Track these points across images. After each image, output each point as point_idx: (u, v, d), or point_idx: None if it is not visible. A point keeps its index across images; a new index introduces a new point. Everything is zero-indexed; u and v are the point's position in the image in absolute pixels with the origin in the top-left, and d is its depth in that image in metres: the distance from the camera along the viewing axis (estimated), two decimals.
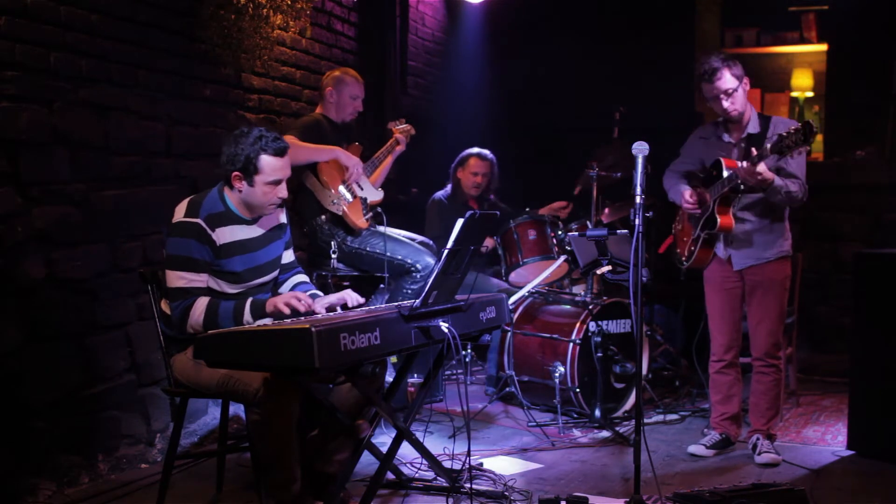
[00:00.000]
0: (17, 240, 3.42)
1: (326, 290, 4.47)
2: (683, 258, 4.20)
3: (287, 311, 3.15)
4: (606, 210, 5.48)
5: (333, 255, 4.39)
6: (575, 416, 4.70)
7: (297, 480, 3.05)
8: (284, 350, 2.74)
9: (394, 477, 3.63)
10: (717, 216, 3.93)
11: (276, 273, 3.47)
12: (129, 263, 3.94)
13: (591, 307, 4.73)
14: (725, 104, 3.92)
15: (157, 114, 4.10)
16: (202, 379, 3.15)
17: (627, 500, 3.33)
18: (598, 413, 4.58)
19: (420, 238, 4.86)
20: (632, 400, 4.76)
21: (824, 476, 3.87)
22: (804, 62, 7.36)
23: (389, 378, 3.81)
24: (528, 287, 5.00)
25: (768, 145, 3.64)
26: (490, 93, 7.22)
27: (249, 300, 3.18)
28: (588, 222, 5.23)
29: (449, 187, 5.72)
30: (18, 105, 3.40)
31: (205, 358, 2.93)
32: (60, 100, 3.59)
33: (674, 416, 4.80)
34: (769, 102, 7.31)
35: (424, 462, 3.60)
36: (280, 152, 3.22)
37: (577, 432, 4.54)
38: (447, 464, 3.67)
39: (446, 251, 3.12)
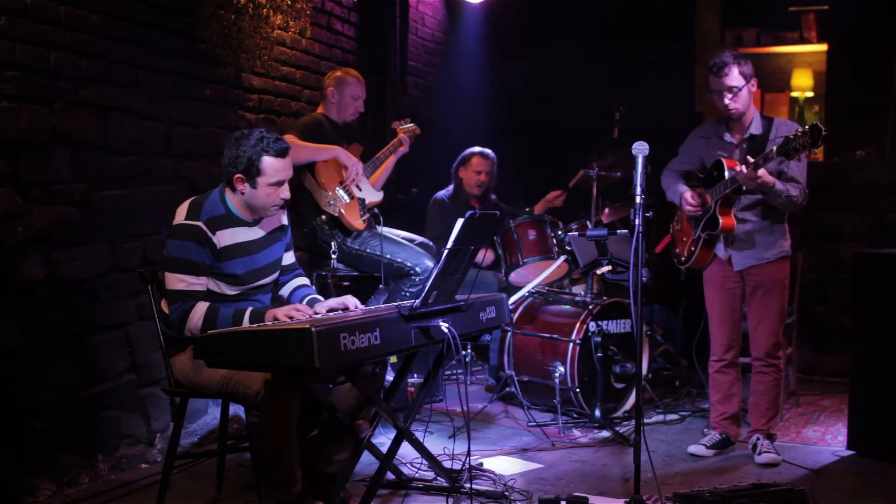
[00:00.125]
0: (17, 240, 3.42)
1: (326, 291, 4.48)
2: (683, 258, 4.20)
3: (287, 322, 3.14)
4: (606, 210, 5.48)
5: (333, 256, 4.39)
6: (575, 416, 4.70)
7: (297, 480, 3.05)
8: (284, 350, 2.74)
9: (394, 477, 3.63)
10: (719, 217, 3.92)
11: (276, 275, 3.47)
12: (129, 263, 3.94)
13: (591, 307, 4.73)
14: (727, 101, 3.92)
15: (157, 114, 4.10)
16: (202, 379, 3.15)
17: (627, 500, 3.33)
18: (598, 413, 4.58)
19: (420, 239, 4.85)
20: (632, 400, 4.76)
21: (824, 476, 3.87)
22: (804, 62, 7.36)
23: (390, 377, 3.81)
24: (528, 287, 5.00)
25: (774, 148, 3.64)
26: (490, 93, 7.22)
27: (249, 309, 3.17)
28: (588, 222, 5.23)
29: (451, 187, 5.73)
30: (18, 105, 3.40)
31: (205, 358, 2.93)
32: (60, 100, 3.59)
33: (674, 416, 4.80)
34: (769, 102, 7.31)
35: (424, 462, 3.60)
36: (282, 153, 3.22)
37: (577, 432, 4.54)
38: (447, 464, 3.68)
39: (446, 251, 3.12)
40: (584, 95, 6.68)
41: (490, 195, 5.79)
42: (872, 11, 6.11)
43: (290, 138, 4.31)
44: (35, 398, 3.51)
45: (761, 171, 3.72)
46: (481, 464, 3.91)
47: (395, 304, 3.52)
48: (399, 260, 4.47)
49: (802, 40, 7.14)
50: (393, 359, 4.29)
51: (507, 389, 4.95)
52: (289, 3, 4.57)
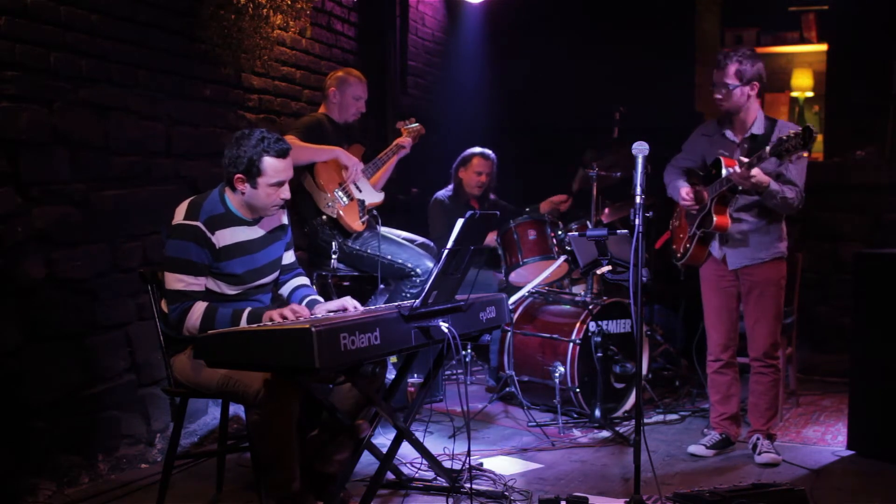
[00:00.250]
0: (17, 240, 3.42)
1: (327, 290, 4.48)
2: (679, 254, 4.22)
3: (286, 322, 3.14)
4: (606, 210, 5.48)
5: (334, 256, 4.38)
6: (575, 416, 4.70)
7: (296, 480, 3.05)
8: (284, 350, 2.74)
9: (394, 477, 3.63)
10: (714, 215, 3.93)
11: (276, 274, 3.47)
12: (129, 263, 3.94)
13: (591, 307, 4.73)
14: (717, 95, 3.97)
15: (157, 114, 4.10)
16: (202, 379, 3.15)
17: (627, 500, 3.33)
18: (598, 413, 4.58)
19: (420, 240, 4.85)
20: (632, 400, 4.76)
21: (824, 476, 3.87)
22: (804, 62, 7.37)
23: (390, 376, 3.81)
24: (528, 287, 5.00)
25: (767, 148, 3.65)
26: (490, 93, 7.22)
27: (247, 310, 3.17)
28: (588, 222, 5.23)
29: (450, 187, 5.73)
30: (18, 105, 3.40)
31: (205, 358, 2.93)
32: (60, 100, 3.59)
33: (674, 416, 4.80)
34: (769, 102, 7.32)
35: (424, 462, 3.60)
36: (282, 154, 3.22)
37: (577, 432, 4.54)
38: (447, 464, 3.68)
39: (446, 251, 3.12)
40: (584, 95, 6.68)
41: (490, 195, 5.79)
42: (872, 11, 6.11)
43: (290, 139, 4.31)
44: (35, 398, 3.51)
45: (755, 171, 3.72)
46: (481, 464, 3.91)
47: (396, 304, 3.52)
48: (400, 261, 4.47)
49: (802, 40, 7.14)
50: (393, 359, 4.29)
51: (507, 389, 4.95)
52: (289, 3, 4.57)
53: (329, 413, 3.28)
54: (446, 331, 3.11)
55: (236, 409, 4.14)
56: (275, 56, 4.84)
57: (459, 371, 5.37)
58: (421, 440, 3.59)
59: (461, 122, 6.75)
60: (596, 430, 4.54)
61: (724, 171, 3.85)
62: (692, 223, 4.09)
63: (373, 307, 3.78)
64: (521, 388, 4.80)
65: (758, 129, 3.99)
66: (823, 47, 6.81)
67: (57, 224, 3.58)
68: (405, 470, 3.75)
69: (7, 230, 3.38)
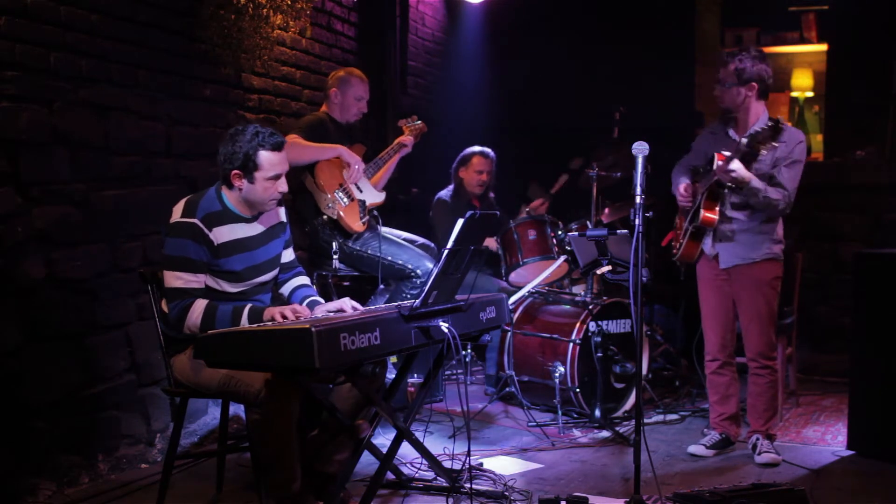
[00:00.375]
0: (17, 240, 3.42)
1: (327, 290, 4.48)
2: (674, 250, 4.23)
3: (286, 322, 3.14)
4: (606, 210, 5.49)
5: (335, 256, 4.38)
6: (575, 416, 4.70)
7: (297, 480, 3.05)
8: (284, 350, 2.74)
9: (394, 477, 3.63)
10: (701, 210, 3.96)
11: (276, 272, 3.46)
12: (129, 263, 3.94)
13: (591, 307, 4.73)
14: (716, 91, 4.04)
15: (157, 114, 4.10)
16: (202, 379, 3.15)
17: (627, 500, 3.33)
18: (598, 413, 4.58)
19: (420, 240, 4.84)
20: (632, 400, 4.76)
21: (824, 476, 3.87)
22: (804, 62, 7.36)
23: (390, 376, 3.81)
24: (528, 287, 5.00)
25: (744, 140, 3.71)
26: (490, 93, 7.22)
27: (248, 307, 3.17)
28: (588, 222, 5.23)
29: (451, 187, 5.73)
30: (18, 105, 3.40)
31: (205, 358, 2.93)
32: (60, 100, 3.59)
33: (674, 416, 4.80)
34: (769, 102, 7.29)
35: (424, 462, 3.60)
36: (277, 146, 3.23)
37: (577, 432, 4.54)
38: (447, 464, 3.68)
39: (446, 251, 3.12)
40: (584, 95, 6.68)
41: (490, 194, 5.80)
42: (872, 11, 6.11)
43: (293, 138, 4.31)
44: (35, 398, 3.51)
45: (735, 166, 3.74)
46: (481, 464, 3.91)
47: (396, 304, 3.52)
48: (400, 262, 4.47)
49: (802, 40, 7.14)
50: (393, 359, 4.29)
51: (507, 389, 4.95)
52: (289, 3, 4.57)
53: (329, 413, 3.28)
54: (446, 331, 3.11)
55: (236, 409, 4.14)
56: (275, 56, 4.84)
57: (459, 371, 5.37)
58: (421, 440, 3.59)
59: (461, 122, 6.75)
60: (596, 430, 4.54)
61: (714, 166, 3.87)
62: (686, 218, 4.11)
63: (373, 307, 3.78)
64: (521, 388, 4.80)
65: (756, 128, 3.99)
66: (823, 47, 6.81)
67: (57, 224, 3.58)
68: (405, 470, 3.75)
69: (7, 230, 3.38)
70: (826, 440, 4.40)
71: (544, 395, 4.76)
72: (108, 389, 3.85)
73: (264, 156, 3.20)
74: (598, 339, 4.61)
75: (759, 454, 4.02)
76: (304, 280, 3.61)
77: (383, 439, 3.96)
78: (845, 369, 4.39)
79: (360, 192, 4.58)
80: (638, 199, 3.32)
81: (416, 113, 5.13)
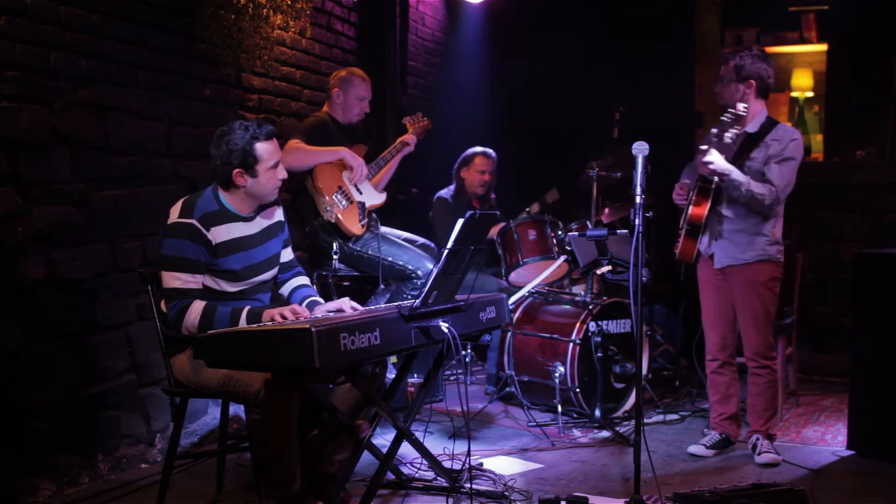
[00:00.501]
0: (17, 240, 3.42)
1: (327, 290, 4.47)
2: (675, 249, 4.23)
3: (286, 322, 3.14)
4: (606, 210, 5.49)
5: (335, 256, 4.37)
6: (575, 416, 4.70)
7: (297, 480, 3.05)
8: (284, 350, 2.74)
9: (394, 477, 3.63)
10: (690, 206, 3.98)
11: (274, 271, 3.46)
12: (129, 263, 3.94)
13: (591, 307, 4.73)
14: (716, 88, 4.07)
15: (157, 114, 4.10)
16: (202, 379, 3.15)
17: (627, 500, 3.33)
18: (598, 413, 4.58)
19: (421, 240, 4.84)
20: (632, 400, 4.76)
21: (824, 476, 3.87)
22: (804, 62, 7.35)
23: (390, 376, 3.81)
24: (528, 287, 5.00)
25: (714, 130, 3.78)
26: (490, 93, 7.21)
27: (247, 308, 3.17)
28: (588, 222, 5.23)
29: (452, 187, 5.73)
30: (18, 105, 3.40)
31: (205, 358, 2.93)
32: (60, 100, 3.59)
33: (674, 416, 4.80)
34: (769, 102, 7.29)
35: (424, 462, 3.60)
36: (270, 135, 3.25)
37: (577, 432, 4.54)
38: (447, 464, 3.68)
39: (446, 251, 3.12)
40: (584, 95, 6.68)
41: (491, 194, 5.80)
42: (872, 11, 6.11)
43: (295, 143, 4.31)
44: (35, 398, 3.51)
45: (712, 158, 3.77)
46: (481, 464, 3.91)
47: (396, 304, 3.52)
48: (400, 263, 4.46)
49: (802, 40, 7.13)
50: (393, 359, 4.29)
51: (507, 389, 4.95)
52: (289, 3, 4.57)
53: (329, 413, 3.28)
54: (446, 331, 3.11)
55: (236, 409, 4.14)
56: (275, 56, 4.84)
57: (459, 371, 5.37)
58: (421, 440, 3.59)
59: (461, 122, 6.75)
60: (596, 430, 4.54)
61: None
62: (682, 217, 4.13)
63: (373, 307, 3.78)
64: (521, 388, 4.80)
65: (753, 127, 4.00)
66: (823, 47, 6.80)
67: (57, 224, 3.58)
68: (405, 470, 3.75)
69: (7, 230, 3.38)
70: (826, 440, 4.40)
71: (544, 395, 4.76)
72: (108, 389, 3.85)
73: (261, 147, 3.21)
74: (598, 339, 4.61)
75: (759, 454, 4.02)
76: (304, 280, 3.61)
77: (383, 439, 3.96)
78: (845, 369, 4.39)
79: (360, 193, 4.56)
80: (638, 199, 3.32)
81: (416, 113, 5.13)
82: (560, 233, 5.13)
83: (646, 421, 4.55)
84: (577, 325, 4.64)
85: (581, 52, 6.83)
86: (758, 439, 4.07)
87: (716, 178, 3.90)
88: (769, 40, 7.22)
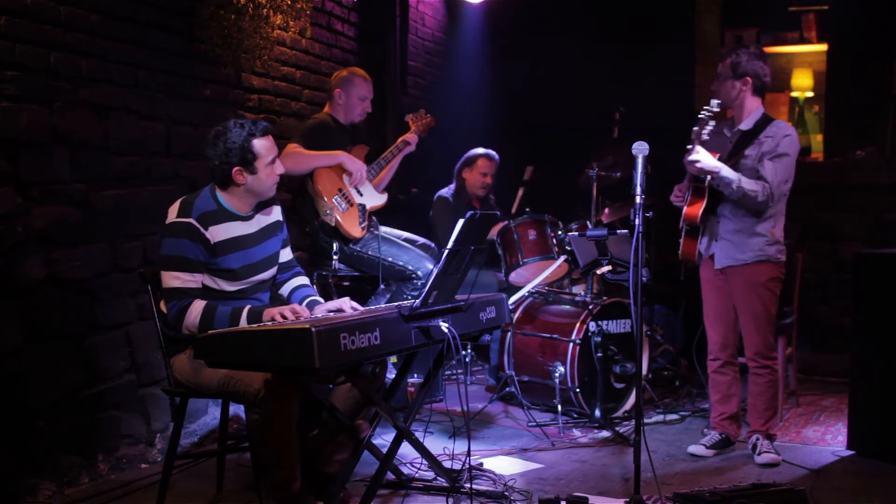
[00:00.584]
0: (17, 240, 3.42)
1: (327, 290, 4.47)
2: (679, 250, 4.24)
3: (286, 322, 3.14)
4: (606, 210, 5.49)
5: (335, 257, 4.37)
6: (575, 416, 4.70)
7: (297, 480, 3.05)
8: (284, 350, 2.74)
9: (394, 477, 3.63)
10: (685, 206, 3.97)
11: (273, 270, 3.46)
12: (129, 263, 3.94)
13: (591, 307, 4.73)
14: (713, 86, 4.06)
15: (157, 114, 4.10)
16: (202, 379, 3.15)
17: (627, 500, 3.33)
18: (598, 413, 4.58)
19: (421, 241, 4.84)
20: (632, 400, 4.76)
21: (824, 476, 3.87)
22: (804, 62, 7.35)
23: (390, 376, 3.81)
24: (528, 287, 5.00)
25: (695, 128, 3.76)
26: (490, 93, 7.22)
27: (247, 308, 3.17)
28: (588, 222, 5.23)
29: (452, 186, 5.73)
30: (18, 105, 3.41)
31: (205, 358, 2.93)
32: (60, 100, 3.59)
33: (674, 416, 4.80)
34: (769, 102, 7.26)
35: (424, 462, 3.60)
36: (266, 131, 3.26)
37: (577, 432, 4.54)
38: (447, 464, 3.68)
39: (446, 251, 3.12)
40: (584, 95, 6.68)
41: (490, 196, 5.80)
42: (872, 11, 6.11)
43: (293, 148, 4.30)
44: (35, 398, 3.51)
45: (698, 156, 3.77)
46: (481, 464, 3.91)
47: (396, 304, 3.52)
48: (400, 263, 4.46)
49: (802, 40, 7.13)
50: (393, 359, 4.29)
51: (507, 389, 4.95)
52: (289, 3, 4.57)
53: (329, 413, 3.28)
54: (446, 331, 3.11)
55: (236, 409, 4.14)
56: (275, 56, 4.84)
57: (459, 371, 5.37)
58: (421, 440, 3.59)
59: (461, 122, 6.75)
60: (596, 430, 4.54)
61: None
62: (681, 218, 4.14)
63: (373, 307, 3.78)
64: (521, 388, 4.80)
65: (747, 125, 4.01)
66: (823, 47, 6.80)
67: (57, 224, 3.58)
68: (405, 470, 3.75)
69: (7, 230, 3.38)
70: (826, 440, 4.40)
71: (544, 395, 4.76)
72: (108, 389, 3.85)
73: (258, 143, 3.22)
74: (598, 339, 4.61)
75: (759, 454, 4.02)
76: (304, 280, 3.60)
77: (383, 439, 3.96)
78: (845, 369, 4.39)
79: (361, 195, 4.55)
80: (638, 199, 3.32)
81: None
82: (560, 233, 5.13)
83: (646, 421, 4.55)
84: (577, 325, 4.64)
85: (581, 52, 6.83)
86: (758, 439, 4.07)
87: (708, 177, 3.90)
88: (769, 40, 7.22)
